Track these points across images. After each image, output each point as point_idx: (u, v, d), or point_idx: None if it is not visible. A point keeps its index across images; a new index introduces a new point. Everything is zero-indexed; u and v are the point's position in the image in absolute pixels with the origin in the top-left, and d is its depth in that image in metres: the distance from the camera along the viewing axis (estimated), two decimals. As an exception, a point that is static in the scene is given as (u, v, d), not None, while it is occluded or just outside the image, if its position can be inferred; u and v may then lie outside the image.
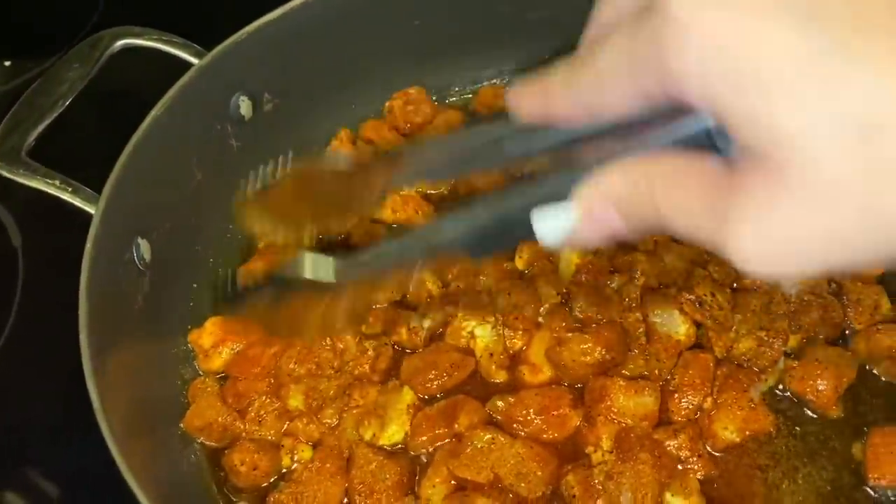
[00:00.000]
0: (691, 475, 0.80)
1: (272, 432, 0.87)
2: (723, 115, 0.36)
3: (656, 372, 0.86)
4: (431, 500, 0.81)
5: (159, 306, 0.91)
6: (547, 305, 0.91)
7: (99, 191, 0.84)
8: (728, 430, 0.83)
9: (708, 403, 0.85)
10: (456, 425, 0.85)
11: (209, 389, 0.89)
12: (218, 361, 0.91)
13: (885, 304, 0.90)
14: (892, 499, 0.79)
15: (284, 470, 0.85)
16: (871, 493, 0.79)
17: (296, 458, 0.85)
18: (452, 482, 0.82)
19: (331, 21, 1.02)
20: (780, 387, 0.86)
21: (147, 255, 0.88)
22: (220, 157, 1.00)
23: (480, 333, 0.89)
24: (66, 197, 0.85)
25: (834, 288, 0.91)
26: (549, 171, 0.47)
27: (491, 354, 0.89)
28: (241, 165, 1.01)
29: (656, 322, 0.87)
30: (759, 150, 0.36)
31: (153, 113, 0.88)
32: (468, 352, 0.90)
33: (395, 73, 1.11)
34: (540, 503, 0.80)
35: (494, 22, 1.10)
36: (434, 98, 1.14)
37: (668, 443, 0.81)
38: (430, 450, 0.84)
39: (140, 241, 0.88)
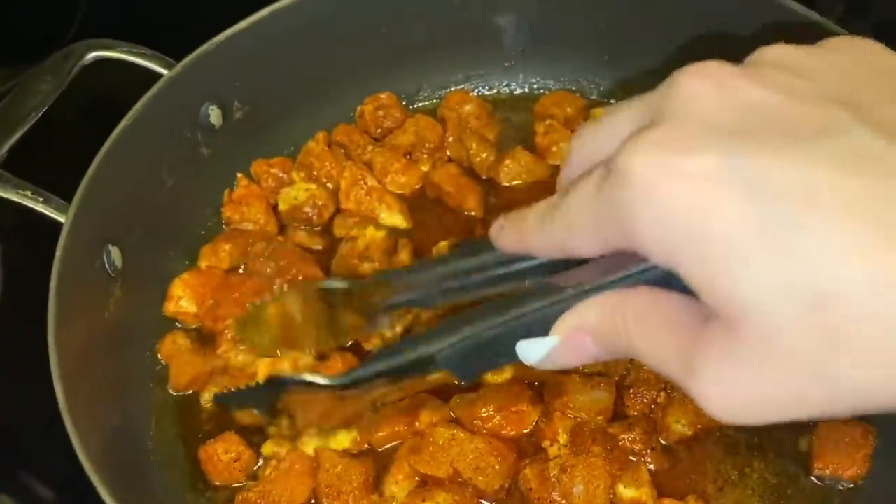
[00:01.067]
0: (643, 467, 0.82)
1: (244, 361, 0.91)
2: (684, 277, 0.38)
3: (612, 367, 0.88)
4: (396, 497, 0.83)
5: (131, 313, 0.93)
6: None
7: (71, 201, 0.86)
8: (680, 424, 0.85)
9: (661, 398, 0.87)
10: (417, 423, 0.87)
11: (182, 346, 0.93)
12: (191, 305, 0.96)
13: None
14: (839, 487, 0.81)
15: (258, 466, 0.88)
16: (817, 482, 0.82)
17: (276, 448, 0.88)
18: (416, 478, 0.84)
19: (299, 30, 1.04)
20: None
21: (118, 262, 0.91)
22: (191, 164, 1.02)
23: (443, 328, 0.92)
24: (37, 207, 0.87)
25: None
26: (530, 297, 0.49)
27: (455, 350, 0.91)
28: (213, 172, 1.06)
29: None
30: (720, 310, 0.38)
31: (122, 123, 0.91)
32: None
33: (364, 78, 1.14)
34: (498, 496, 0.83)
35: (461, 27, 1.12)
36: (404, 103, 1.16)
37: (622, 436, 0.84)
38: (390, 445, 0.87)
39: (111, 248, 0.90)
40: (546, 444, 0.85)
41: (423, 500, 0.81)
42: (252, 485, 0.85)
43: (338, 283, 0.72)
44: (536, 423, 0.86)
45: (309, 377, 0.62)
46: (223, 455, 0.86)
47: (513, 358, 0.50)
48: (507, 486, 0.84)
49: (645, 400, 0.86)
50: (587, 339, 0.46)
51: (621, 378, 0.88)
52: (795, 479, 0.83)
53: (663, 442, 0.86)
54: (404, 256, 0.99)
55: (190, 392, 0.93)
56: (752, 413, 0.39)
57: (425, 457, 0.84)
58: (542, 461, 0.83)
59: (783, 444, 0.85)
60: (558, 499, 0.80)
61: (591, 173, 0.43)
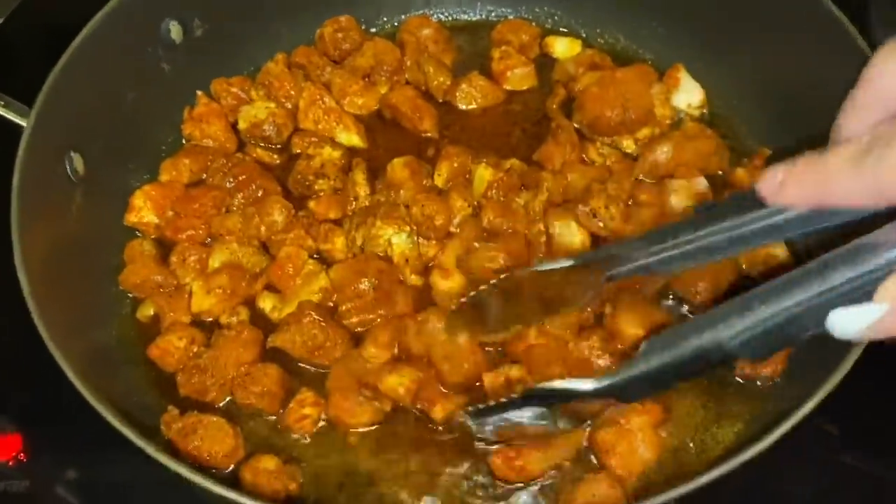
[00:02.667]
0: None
1: (190, 276, 0.95)
2: None
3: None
4: (375, 357, 0.89)
5: (94, 221, 0.96)
6: (459, 217, 0.98)
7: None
8: (632, 326, 0.89)
9: (608, 309, 0.91)
10: (397, 308, 0.92)
11: (145, 251, 0.97)
12: (152, 216, 1.00)
13: (769, 218, 0.98)
14: (758, 385, 0.88)
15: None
16: (740, 381, 0.88)
17: (235, 319, 0.93)
18: (394, 350, 0.90)
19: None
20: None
21: (80, 169, 0.94)
22: (152, 80, 1.04)
23: (397, 241, 0.96)
24: (-2, 111, 0.89)
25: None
26: (840, 264, 0.45)
27: (407, 260, 0.96)
28: (174, 89, 1.08)
29: (555, 233, 0.94)
30: None
31: (82, 34, 0.93)
32: (390, 260, 0.97)
33: (325, 1, 1.16)
34: (457, 389, 0.87)
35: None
36: (364, 26, 1.18)
37: (581, 344, 0.88)
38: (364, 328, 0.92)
39: (73, 154, 0.93)
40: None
41: (391, 372, 0.86)
42: (201, 351, 0.90)
43: (566, 262, 0.68)
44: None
45: (573, 384, 0.58)
46: (177, 342, 0.90)
47: (819, 330, 0.46)
48: (466, 385, 0.87)
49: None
50: None
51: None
52: (721, 377, 0.89)
53: (620, 347, 0.89)
54: (359, 175, 1.02)
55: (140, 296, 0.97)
56: None
57: (410, 332, 0.88)
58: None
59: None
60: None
61: None
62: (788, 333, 0.47)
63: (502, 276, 0.78)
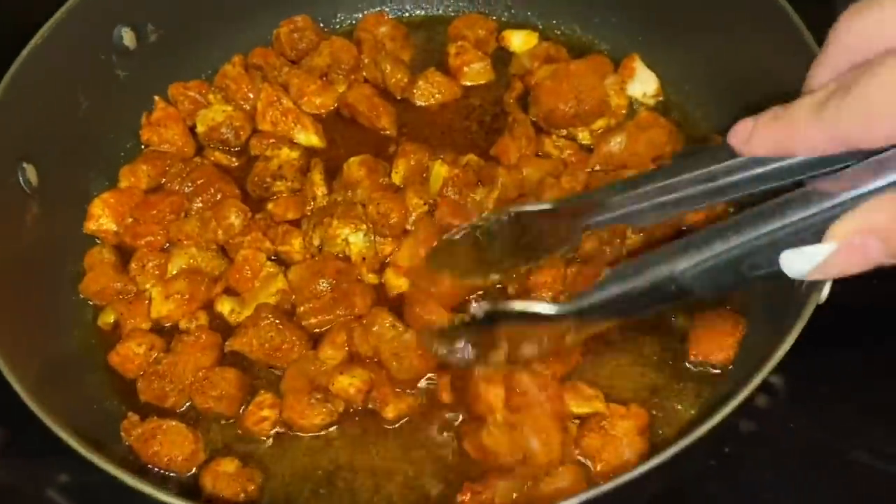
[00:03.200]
0: (579, 384, 0.87)
1: (149, 282, 0.96)
2: None
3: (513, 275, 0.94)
4: (332, 358, 0.90)
5: (51, 230, 0.96)
6: (415, 214, 0.99)
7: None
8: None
9: (562, 299, 0.92)
10: (356, 309, 0.92)
11: (105, 259, 0.98)
12: (111, 223, 1.00)
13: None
14: (711, 371, 0.89)
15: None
16: (692, 367, 0.89)
17: (194, 323, 0.94)
18: (346, 350, 0.90)
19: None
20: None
21: (34, 180, 0.94)
22: (107, 86, 1.05)
23: (354, 240, 0.97)
24: (-53, 123, 0.89)
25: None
26: (796, 204, 0.46)
27: (364, 259, 0.97)
28: (130, 95, 1.08)
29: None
30: None
31: (30, 44, 0.93)
32: (348, 260, 0.98)
33: (281, 1, 1.16)
34: (409, 385, 0.88)
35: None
36: (321, 25, 1.19)
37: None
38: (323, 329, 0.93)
39: (25, 165, 0.93)
40: (490, 418, 0.84)
41: (342, 373, 0.87)
42: (161, 356, 0.90)
43: (543, 205, 0.68)
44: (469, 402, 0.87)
45: (533, 306, 0.58)
46: (136, 349, 0.91)
47: (771, 270, 0.46)
48: (417, 382, 0.88)
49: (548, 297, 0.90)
50: (874, 243, 0.43)
51: (520, 286, 0.93)
52: (674, 361, 0.90)
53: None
54: (316, 176, 1.03)
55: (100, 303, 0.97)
56: None
57: (356, 333, 0.89)
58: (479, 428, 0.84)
59: (671, 330, 0.91)
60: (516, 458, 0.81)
61: (887, 58, 0.40)
62: (740, 271, 0.48)
63: (480, 217, 0.78)
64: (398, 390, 0.87)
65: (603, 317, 0.56)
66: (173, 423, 0.86)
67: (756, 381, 0.70)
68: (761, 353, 0.82)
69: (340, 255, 0.98)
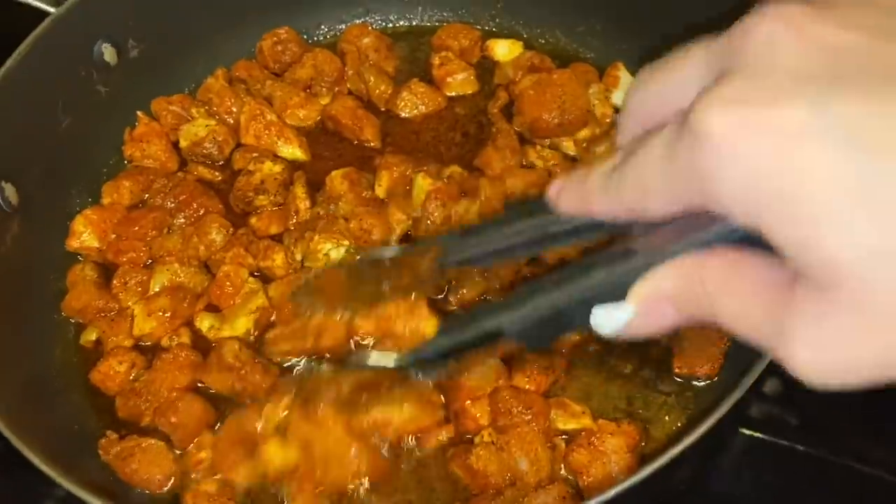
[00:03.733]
0: (566, 401, 0.86)
1: (132, 300, 0.95)
2: (770, 238, 0.35)
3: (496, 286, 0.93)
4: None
5: (33, 249, 0.96)
6: (398, 229, 0.98)
7: (-40, 139, 0.88)
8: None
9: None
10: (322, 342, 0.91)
11: (88, 276, 0.97)
12: (94, 240, 1.00)
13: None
14: (697, 384, 0.88)
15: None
16: (678, 380, 0.88)
17: (175, 341, 0.93)
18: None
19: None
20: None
21: (13, 199, 0.94)
22: (88, 103, 1.04)
23: (335, 256, 0.96)
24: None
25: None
26: (602, 264, 0.47)
27: (345, 276, 0.96)
28: (112, 111, 1.08)
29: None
30: (810, 273, 0.35)
31: (7, 63, 0.92)
32: None
33: (263, 14, 1.16)
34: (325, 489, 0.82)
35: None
36: (304, 37, 1.18)
37: (525, 386, 0.86)
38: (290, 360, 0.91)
39: (4, 184, 0.93)
40: (477, 439, 0.85)
41: (278, 439, 0.80)
42: (140, 374, 0.90)
43: (388, 252, 0.71)
44: (455, 421, 0.86)
45: (375, 359, 0.61)
46: (118, 367, 0.90)
47: (586, 324, 0.47)
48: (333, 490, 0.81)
49: None
50: (666, 307, 0.42)
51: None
52: (657, 375, 0.89)
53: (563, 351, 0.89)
54: (299, 189, 1.02)
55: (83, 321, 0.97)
56: (846, 376, 0.36)
57: (296, 413, 0.81)
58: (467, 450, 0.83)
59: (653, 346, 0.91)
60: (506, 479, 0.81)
61: (661, 133, 0.39)
62: (559, 324, 0.50)
63: (338, 263, 0.81)
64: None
65: (441, 364, 0.58)
66: (152, 442, 0.85)
67: (739, 392, 0.69)
68: (747, 364, 0.81)
69: None
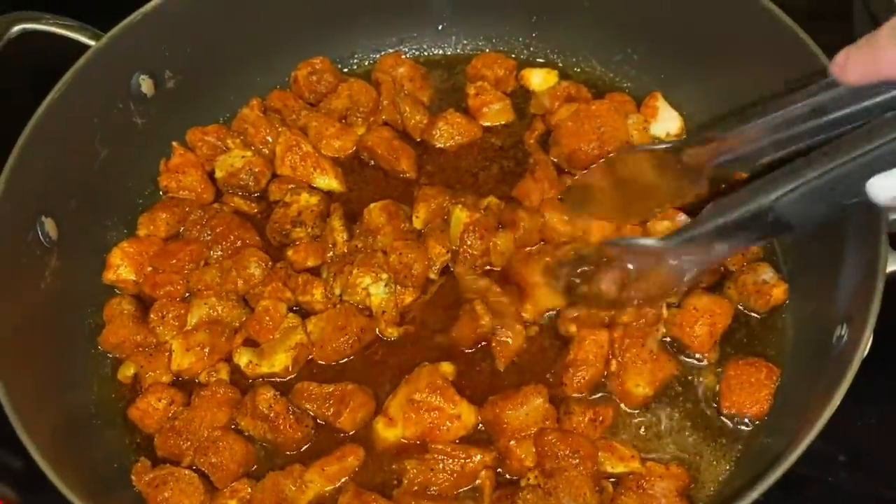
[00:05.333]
0: (614, 444, 0.84)
1: (170, 334, 0.95)
2: None
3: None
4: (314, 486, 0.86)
5: (70, 282, 0.96)
6: (438, 263, 0.97)
7: (1, 175, 0.88)
8: (640, 387, 0.87)
9: (613, 366, 0.89)
10: (341, 420, 0.89)
11: (125, 310, 0.96)
12: (130, 273, 0.99)
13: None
14: (745, 425, 0.86)
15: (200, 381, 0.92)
16: (727, 422, 0.87)
17: (214, 377, 0.92)
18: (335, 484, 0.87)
19: (227, -2, 1.05)
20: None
21: (53, 233, 0.93)
22: (125, 134, 1.04)
23: (375, 291, 0.95)
24: (-33, 181, 0.89)
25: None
26: (885, 127, 0.48)
27: (383, 312, 0.95)
28: (148, 142, 1.07)
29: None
30: None
31: (49, 97, 0.92)
32: (369, 312, 0.96)
33: (298, 44, 1.15)
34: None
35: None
36: (338, 65, 1.18)
37: (576, 422, 0.85)
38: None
39: (44, 219, 0.92)
40: (524, 481, 0.84)
41: None
42: (179, 411, 0.89)
43: (663, 145, 0.72)
44: (500, 462, 0.86)
45: (640, 241, 0.65)
46: (157, 403, 0.90)
47: (861, 198, 0.47)
48: None
49: (584, 380, 0.88)
50: None
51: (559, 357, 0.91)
52: (709, 419, 0.88)
53: (626, 409, 0.88)
54: (336, 222, 1.01)
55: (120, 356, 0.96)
56: None
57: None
58: (513, 493, 0.82)
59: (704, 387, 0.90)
60: None
61: None
62: (832, 198, 0.49)
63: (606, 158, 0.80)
64: None
65: (705, 250, 0.59)
66: (185, 472, 0.85)
67: (798, 450, 0.67)
68: (797, 407, 0.80)
69: (361, 306, 0.96)
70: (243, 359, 0.93)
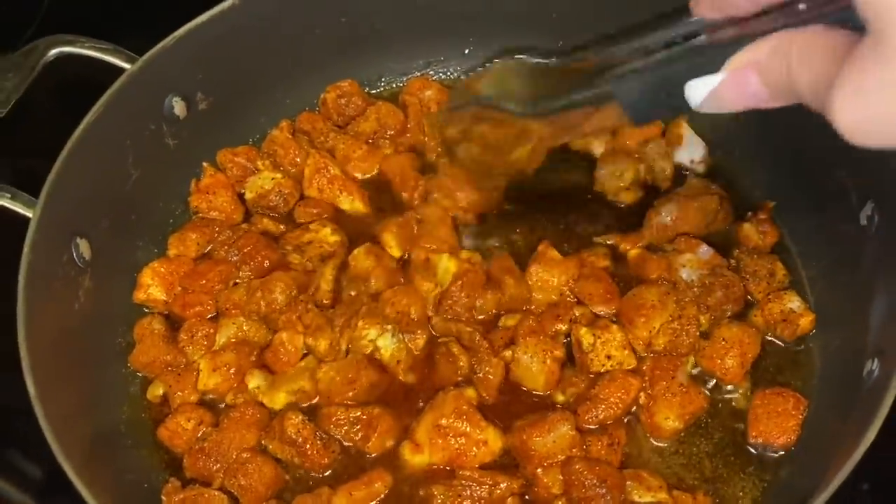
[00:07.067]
0: (642, 473, 0.84)
1: (198, 354, 0.95)
2: None
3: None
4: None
5: (102, 302, 0.97)
6: (431, 298, 0.98)
7: (40, 196, 0.89)
8: (670, 420, 0.87)
9: (642, 399, 0.89)
10: (369, 445, 0.90)
11: (155, 330, 0.97)
12: (160, 293, 1.01)
13: (780, 271, 0.97)
14: (773, 454, 0.86)
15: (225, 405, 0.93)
16: (752, 451, 0.87)
17: (241, 398, 0.93)
18: None
19: (259, 21, 1.07)
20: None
21: (87, 254, 0.95)
22: (157, 155, 1.05)
23: (383, 344, 0.95)
24: (4, 203, 0.90)
25: (733, 264, 0.98)
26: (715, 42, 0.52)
27: (398, 362, 0.95)
28: (179, 163, 1.09)
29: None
30: (870, 23, 0.41)
31: (86, 119, 0.94)
32: (379, 364, 0.95)
33: (326, 66, 1.16)
34: None
35: (418, 16, 1.15)
36: (366, 89, 1.19)
37: (598, 448, 0.85)
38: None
39: (79, 240, 0.94)
40: None
41: None
42: (207, 432, 0.90)
43: (541, 59, 0.77)
44: (527, 489, 0.86)
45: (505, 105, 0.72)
46: (186, 423, 0.90)
47: (682, 104, 0.52)
48: None
49: (598, 418, 0.88)
50: (753, 76, 0.49)
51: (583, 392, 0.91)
52: (735, 448, 0.88)
53: (655, 443, 0.88)
54: (328, 270, 1.00)
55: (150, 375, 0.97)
56: (882, 131, 0.42)
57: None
58: None
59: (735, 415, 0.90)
60: None
61: None
62: (660, 96, 0.55)
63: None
64: None
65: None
66: (215, 493, 0.86)
67: (830, 490, 0.67)
68: (825, 439, 0.80)
69: (370, 357, 0.95)
70: (253, 381, 0.94)
